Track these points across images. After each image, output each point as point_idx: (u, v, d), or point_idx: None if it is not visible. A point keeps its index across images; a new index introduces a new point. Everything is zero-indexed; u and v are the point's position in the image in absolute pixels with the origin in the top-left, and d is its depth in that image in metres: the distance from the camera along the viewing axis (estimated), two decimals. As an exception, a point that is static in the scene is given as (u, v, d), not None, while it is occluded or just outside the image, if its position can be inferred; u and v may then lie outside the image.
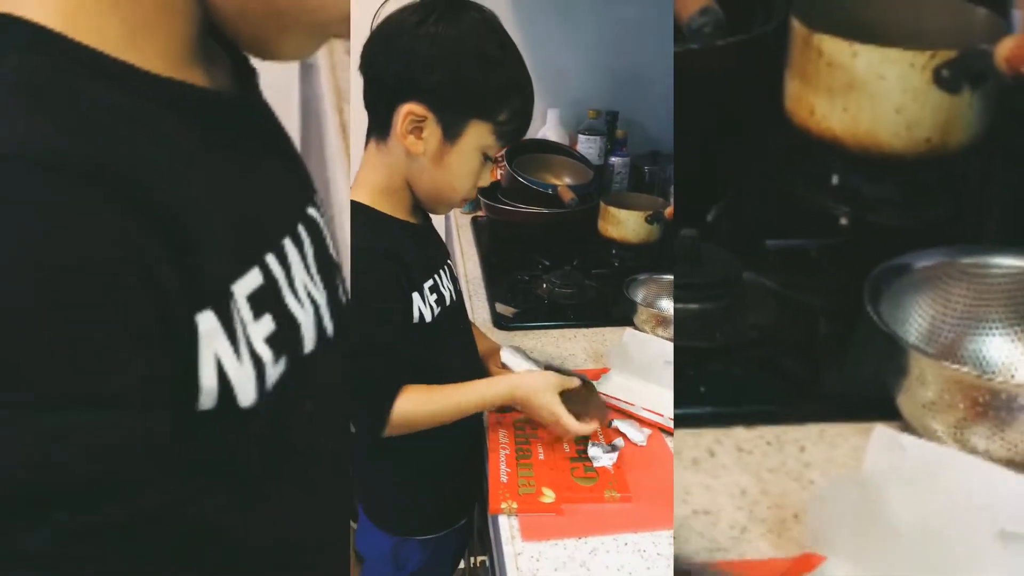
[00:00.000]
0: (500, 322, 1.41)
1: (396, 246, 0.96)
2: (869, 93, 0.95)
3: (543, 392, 0.99)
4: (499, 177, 1.83)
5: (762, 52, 1.07)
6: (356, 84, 0.97)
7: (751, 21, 1.17)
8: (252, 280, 0.50)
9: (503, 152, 1.78)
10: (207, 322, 0.45)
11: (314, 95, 1.88)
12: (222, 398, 0.47)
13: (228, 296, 0.47)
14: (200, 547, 0.48)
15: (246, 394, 0.48)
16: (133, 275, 0.40)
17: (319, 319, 0.58)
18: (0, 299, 0.37)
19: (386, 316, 0.94)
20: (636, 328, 1.33)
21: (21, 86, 0.41)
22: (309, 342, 0.56)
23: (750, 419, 0.87)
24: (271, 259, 0.53)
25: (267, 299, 0.51)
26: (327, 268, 0.62)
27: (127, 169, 0.41)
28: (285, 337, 0.52)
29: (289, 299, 0.54)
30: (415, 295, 0.97)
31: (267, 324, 0.51)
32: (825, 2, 1.04)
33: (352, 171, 1.04)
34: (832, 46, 0.96)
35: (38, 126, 0.39)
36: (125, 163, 0.41)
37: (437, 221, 1.15)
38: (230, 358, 0.47)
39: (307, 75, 1.95)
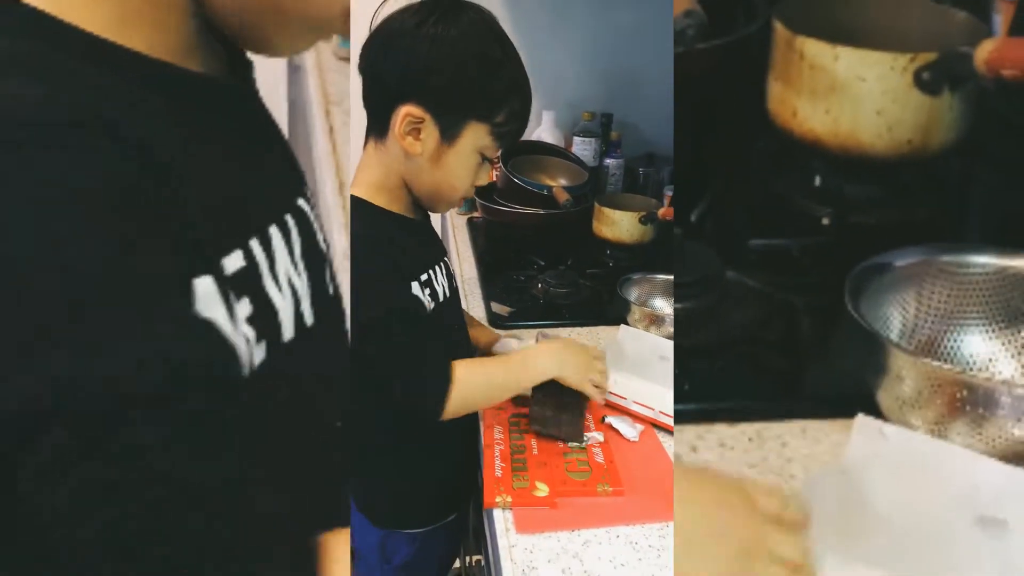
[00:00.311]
0: (496, 321, 1.40)
1: (390, 236, 0.97)
2: (850, 95, 0.94)
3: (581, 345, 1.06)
4: (495, 178, 1.82)
5: (745, 54, 1.06)
6: (355, 84, 0.97)
7: (734, 24, 1.16)
8: (234, 261, 0.50)
9: (500, 153, 1.78)
10: (204, 286, 0.45)
11: (302, 98, 1.88)
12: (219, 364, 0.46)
13: (220, 269, 0.47)
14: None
15: (243, 362, 0.48)
16: (153, 222, 0.41)
17: (299, 308, 0.57)
18: (30, 251, 0.37)
19: (399, 290, 0.95)
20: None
21: (15, 60, 0.41)
22: (288, 331, 0.55)
23: (733, 415, 0.87)
24: (255, 244, 0.52)
25: (247, 282, 0.51)
26: (314, 260, 0.61)
27: (129, 132, 0.41)
28: (262, 322, 0.52)
29: (269, 286, 0.53)
30: (414, 284, 0.97)
31: (245, 306, 0.50)
32: (807, 5, 1.03)
33: (344, 173, 1.04)
34: (814, 48, 0.96)
35: (41, 90, 0.39)
36: (126, 126, 0.41)
37: (433, 221, 1.15)
38: (227, 327, 0.46)
39: (295, 78, 1.95)
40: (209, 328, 0.44)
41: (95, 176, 0.39)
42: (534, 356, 1.02)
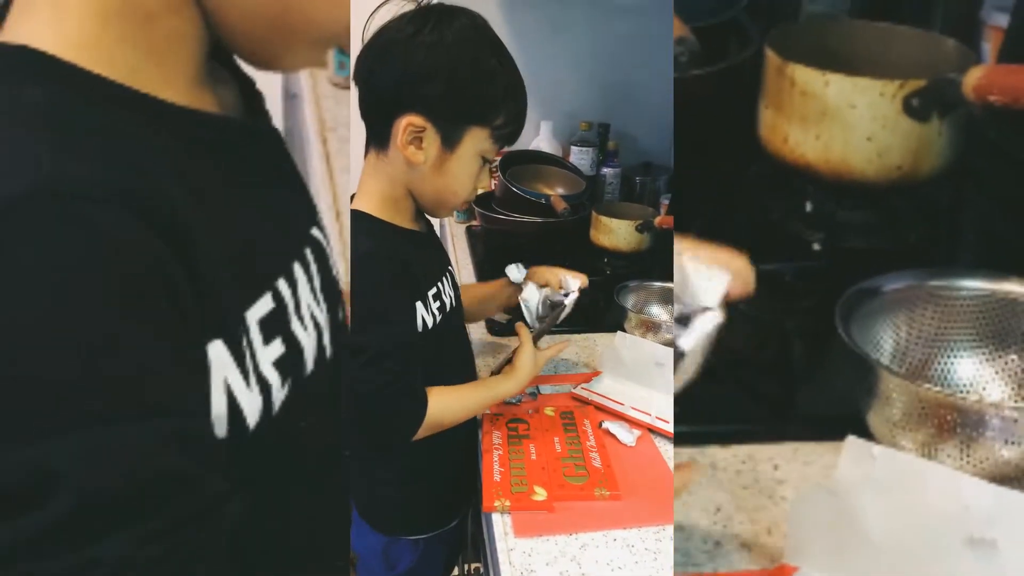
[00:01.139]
0: (494, 328, 1.37)
1: (400, 253, 0.93)
2: (841, 121, 0.91)
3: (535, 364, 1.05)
4: (493, 187, 1.79)
5: (737, 81, 1.03)
6: (355, 107, 0.94)
7: (726, 51, 1.13)
8: (264, 305, 0.48)
9: (498, 161, 1.75)
10: (216, 351, 0.43)
11: (298, 125, 1.85)
12: (232, 425, 0.44)
13: (240, 323, 0.45)
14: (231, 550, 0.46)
15: (254, 418, 0.46)
16: (165, 295, 0.39)
17: (320, 342, 0.55)
18: (48, 326, 0.35)
19: (399, 317, 0.91)
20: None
21: (41, 118, 0.38)
22: (310, 364, 0.53)
23: (725, 438, 0.84)
24: (282, 284, 0.50)
25: (277, 324, 0.49)
26: (330, 290, 0.59)
27: (150, 196, 0.39)
28: (291, 360, 0.50)
29: (295, 324, 0.51)
30: (419, 304, 0.94)
31: (276, 348, 0.48)
32: (798, 33, 1.01)
33: (340, 201, 1.01)
34: (805, 75, 0.92)
35: (62, 157, 0.37)
36: (147, 190, 0.39)
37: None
38: (240, 385, 0.45)
39: (291, 105, 1.92)
40: (199, 437, 0.41)
41: (109, 258, 0.37)
42: (503, 387, 1.03)
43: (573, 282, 1.16)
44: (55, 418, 0.35)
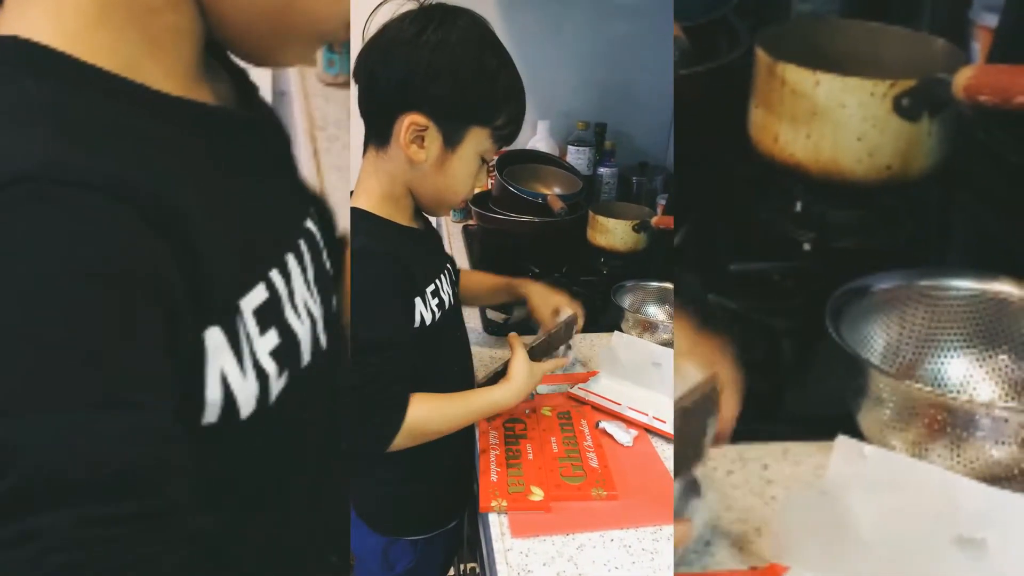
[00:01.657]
0: (491, 328, 1.37)
1: (399, 250, 0.93)
2: (831, 121, 0.90)
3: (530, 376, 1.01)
4: (490, 186, 1.78)
5: (727, 81, 1.03)
6: (355, 105, 0.93)
7: (717, 51, 1.12)
8: (258, 295, 0.48)
9: (495, 160, 1.74)
10: (214, 338, 0.43)
11: (286, 122, 1.84)
12: (225, 412, 0.45)
13: (235, 311, 0.45)
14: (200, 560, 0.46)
15: (248, 407, 0.46)
16: (151, 286, 0.39)
17: (315, 333, 0.55)
18: (30, 309, 0.35)
19: (390, 317, 0.91)
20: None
21: (37, 108, 0.39)
22: (306, 355, 0.53)
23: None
24: (275, 274, 0.51)
25: (271, 314, 0.49)
26: (323, 282, 0.60)
27: (143, 185, 0.39)
28: (287, 351, 0.50)
29: (290, 314, 0.52)
30: (417, 300, 0.94)
31: (272, 338, 0.49)
32: (789, 32, 1.00)
33: (328, 195, 1.00)
34: (795, 75, 0.92)
35: (56, 145, 0.37)
36: (141, 179, 0.39)
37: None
38: (235, 374, 0.45)
39: (280, 102, 1.90)
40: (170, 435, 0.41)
41: (93, 246, 0.37)
42: (495, 397, 0.99)
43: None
44: (21, 398, 0.35)
